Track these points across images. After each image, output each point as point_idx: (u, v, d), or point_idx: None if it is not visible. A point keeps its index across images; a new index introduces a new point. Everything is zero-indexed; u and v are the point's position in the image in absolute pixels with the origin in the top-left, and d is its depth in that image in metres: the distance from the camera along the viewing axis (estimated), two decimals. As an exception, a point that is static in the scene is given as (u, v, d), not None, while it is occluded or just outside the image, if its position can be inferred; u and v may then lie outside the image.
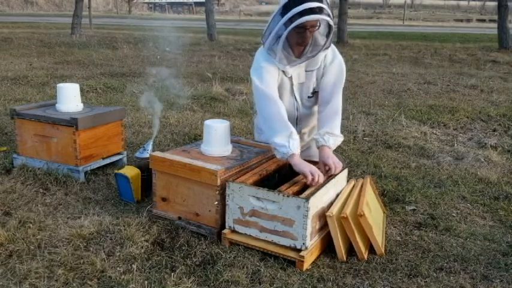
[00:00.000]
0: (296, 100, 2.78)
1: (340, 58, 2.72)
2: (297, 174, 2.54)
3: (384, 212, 2.75)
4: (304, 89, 2.75)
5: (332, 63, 2.69)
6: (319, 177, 2.38)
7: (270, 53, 2.57)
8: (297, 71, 2.68)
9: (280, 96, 2.66)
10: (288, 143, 2.42)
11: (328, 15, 2.43)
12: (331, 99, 2.67)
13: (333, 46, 2.69)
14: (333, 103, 2.66)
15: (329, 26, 2.52)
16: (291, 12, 2.36)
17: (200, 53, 11.01)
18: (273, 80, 2.60)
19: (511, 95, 6.72)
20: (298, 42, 2.53)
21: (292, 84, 2.71)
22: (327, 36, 2.56)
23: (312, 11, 2.36)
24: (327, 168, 2.51)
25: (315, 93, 2.78)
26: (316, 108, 2.83)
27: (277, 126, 2.48)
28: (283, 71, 2.64)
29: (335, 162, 2.51)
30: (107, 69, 8.17)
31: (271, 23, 2.52)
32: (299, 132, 2.83)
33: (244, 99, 6.06)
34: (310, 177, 2.36)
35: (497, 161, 3.92)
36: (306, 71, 2.70)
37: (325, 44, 2.57)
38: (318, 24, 2.49)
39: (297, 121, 2.84)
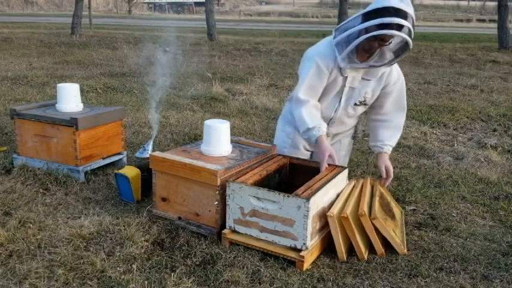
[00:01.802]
0: (340, 102, 2.75)
1: (403, 79, 2.78)
2: (297, 174, 2.54)
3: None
4: (354, 94, 2.73)
5: (397, 82, 2.73)
6: (334, 161, 2.58)
7: (337, 48, 2.55)
8: (353, 75, 2.65)
9: (326, 94, 2.70)
10: (318, 126, 2.60)
11: (409, 34, 2.40)
12: (395, 117, 2.81)
13: (396, 65, 2.70)
14: (397, 121, 2.81)
15: (405, 44, 2.48)
16: (377, 21, 2.33)
17: (200, 53, 11.01)
18: (317, 81, 2.63)
19: (511, 95, 6.72)
20: (364, 49, 2.52)
21: (343, 86, 2.69)
22: (397, 54, 2.54)
23: (397, 26, 2.33)
24: (383, 170, 2.77)
25: (363, 104, 2.77)
26: (351, 120, 2.89)
27: (308, 118, 2.62)
28: (341, 69, 2.62)
29: (387, 166, 2.77)
30: (107, 69, 8.17)
31: (352, 21, 2.50)
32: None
33: (244, 99, 6.06)
34: (325, 165, 2.55)
35: (497, 161, 3.92)
36: (362, 78, 2.68)
37: (391, 60, 2.57)
38: (391, 40, 2.47)
39: (329, 122, 2.82)
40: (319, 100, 2.72)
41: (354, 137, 3.12)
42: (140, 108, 5.34)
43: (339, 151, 2.97)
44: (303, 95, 2.64)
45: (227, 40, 14.21)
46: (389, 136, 2.82)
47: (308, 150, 2.97)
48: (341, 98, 2.74)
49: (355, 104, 2.76)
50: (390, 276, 2.20)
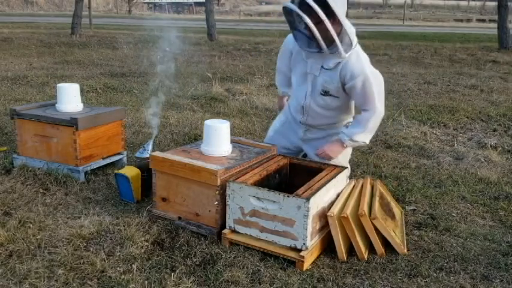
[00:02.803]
0: (307, 88, 2.86)
1: (367, 78, 2.65)
2: (297, 174, 2.54)
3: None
4: (317, 82, 2.80)
5: (356, 78, 2.65)
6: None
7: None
8: (311, 61, 2.78)
9: (295, 75, 2.94)
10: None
11: (310, 15, 2.47)
12: (362, 112, 2.77)
13: (363, 62, 2.67)
14: (361, 117, 2.78)
15: (325, 31, 2.51)
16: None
17: (200, 53, 11.01)
18: (282, 56, 3.08)
19: (511, 95, 6.72)
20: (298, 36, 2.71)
21: (306, 72, 2.83)
22: (327, 41, 2.55)
23: (297, 2, 2.51)
24: (319, 150, 2.85)
25: (329, 95, 2.78)
26: (328, 112, 2.88)
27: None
28: (304, 54, 2.81)
29: (325, 151, 2.82)
30: (107, 69, 8.17)
31: None
32: (305, 123, 2.96)
33: (244, 99, 6.05)
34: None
35: (497, 161, 3.92)
36: (321, 67, 2.75)
37: (324, 48, 2.58)
38: (303, 21, 2.53)
39: (303, 110, 2.90)
40: (293, 82, 2.99)
41: None
42: (140, 108, 5.34)
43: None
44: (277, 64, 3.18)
45: (227, 40, 14.21)
46: (350, 127, 2.81)
47: (291, 147, 3.07)
48: (307, 82, 2.85)
49: (321, 94, 2.81)
50: (390, 276, 2.20)
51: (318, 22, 2.49)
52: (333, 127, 2.96)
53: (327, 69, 2.73)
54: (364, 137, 2.78)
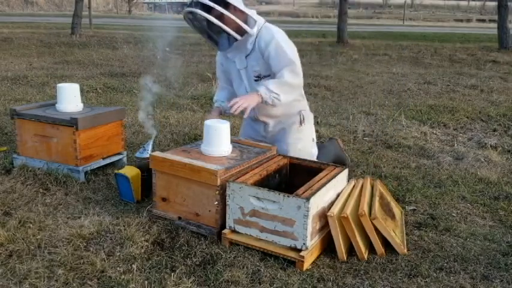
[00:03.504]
0: (244, 83, 3.01)
1: (276, 38, 2.83)
2: (297, 174, 2.54)
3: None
4: (249, 72, 2.96)
5: (269, 44, 2.82)
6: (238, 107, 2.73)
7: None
8: (236, 57, 2.95)
9: (234, 80, 3.08)
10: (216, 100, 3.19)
11: (209, 11, 2.66)
12: (282, 72, 2.84)
13: (273, 31, 2.86)
14: (281, 74, 2.83)
15: (206, 19, 2.70)
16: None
17: (200, 53, 11.01)
18: (218, 71, 3.20)
19: (511, 95, 6.72)
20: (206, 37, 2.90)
21: (238, 69, 3.00)
22: (225, 33, 2.75)
23: (194, 5, 2.70)
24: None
25: (262, 78, 2.93)
26: None
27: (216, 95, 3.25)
28: (228, 57, 2.99)
29: (240, 99, 2.78)
30: (107, 69, 8.17)
31: None
32: (258, 119, 3.10)
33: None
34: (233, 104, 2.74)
35: (497, 161, 3.92)
36: (245, 57, 2.92)
37: (237, 36, 2.75)
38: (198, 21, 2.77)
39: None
40: (234, 88, 3.11)
41: (301, 124, 3.12)
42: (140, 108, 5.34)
43: (286, 140, 3.08)
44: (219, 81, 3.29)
45: (227, 40, 14.18)
46: (270, 82, 2.83)
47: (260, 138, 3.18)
48: (243, 79, 3.01)
49: (255, 80, 2.94)
50: (390, 276, 2.20)
51: (219, 15, 2.68)
52: (288, 116, 3.07)
53: (248, 55, 2.90)
54: (279, 89, 2.80)
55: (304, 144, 3.11)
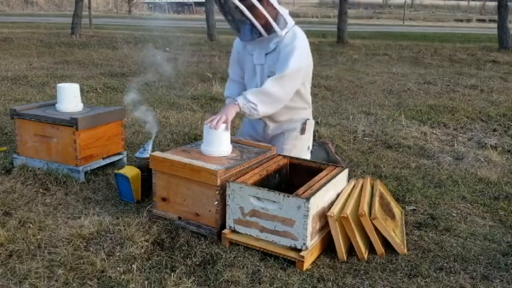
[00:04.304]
0: (257, 81, 2.94)
1: (297, 45, 2.75)
2: (297, 174, 2.54)
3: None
4: (265, 70, 2.88)
5: (287, 47, 2.76)
6: (217, 122, 2.59)
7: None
8: (256, 51, 2.88)
9: (247, 74, 3.00)
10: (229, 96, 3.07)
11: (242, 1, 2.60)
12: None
13: (294, 34, 2.78)
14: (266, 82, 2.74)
15: (241, 12, 2.64)
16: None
17: (200, 53, 11.01)
18: (232, 61, 3.09)
19: (511, 95, 6.72)
20: (234, 28, 2.82)
21: (254, 64, 2.93)
22: (252, 25, 2.69)
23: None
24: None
25: None
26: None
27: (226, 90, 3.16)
28: (248, 48, 2.92)
29: (219, 113, 2.64)
30: (107, 69, 8.17)
31: None
32: (260, 118, 2.97)
33: (244, 99, 6.05)
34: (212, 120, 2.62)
35: (497, 161, 3.92)
36: (265, 54, 2.86)
37: (263, 32, 2.70)
38: (231, 9, 2.68)
39: None
40: (246, 80, 3.04)
41: (302, 133, 3.07)
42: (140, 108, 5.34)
43: (282, 144, 3.04)
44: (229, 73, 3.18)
45: (227, 40, 14.19)
46: (249, 91, 2.73)
47: (260, 138, 3.15)
48: (257, 74, 2.93)
49: (268, 77, 2.81)
50: (390, 276, 2.20)
51: (251, 6, 2.62)
52: (290, 122, 3.03)
53: (269, 53, 2.83)
54: (257, 99, 2.65)
55: (298, 152, 3.03)
